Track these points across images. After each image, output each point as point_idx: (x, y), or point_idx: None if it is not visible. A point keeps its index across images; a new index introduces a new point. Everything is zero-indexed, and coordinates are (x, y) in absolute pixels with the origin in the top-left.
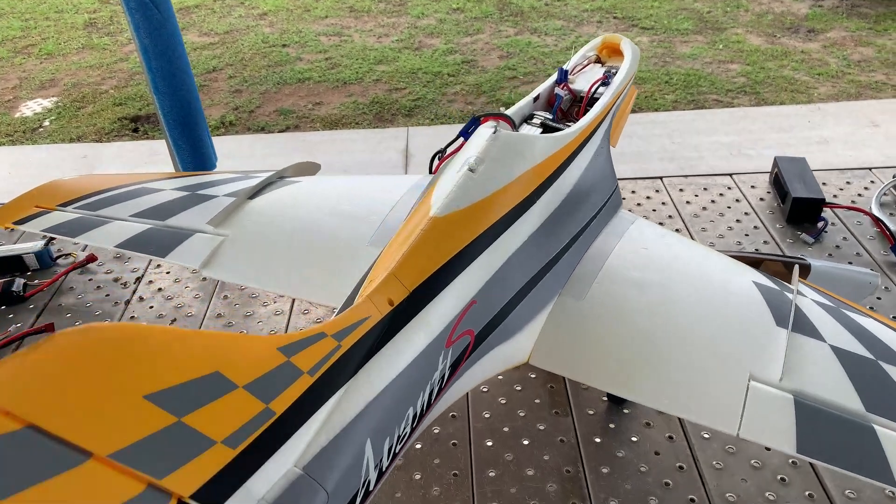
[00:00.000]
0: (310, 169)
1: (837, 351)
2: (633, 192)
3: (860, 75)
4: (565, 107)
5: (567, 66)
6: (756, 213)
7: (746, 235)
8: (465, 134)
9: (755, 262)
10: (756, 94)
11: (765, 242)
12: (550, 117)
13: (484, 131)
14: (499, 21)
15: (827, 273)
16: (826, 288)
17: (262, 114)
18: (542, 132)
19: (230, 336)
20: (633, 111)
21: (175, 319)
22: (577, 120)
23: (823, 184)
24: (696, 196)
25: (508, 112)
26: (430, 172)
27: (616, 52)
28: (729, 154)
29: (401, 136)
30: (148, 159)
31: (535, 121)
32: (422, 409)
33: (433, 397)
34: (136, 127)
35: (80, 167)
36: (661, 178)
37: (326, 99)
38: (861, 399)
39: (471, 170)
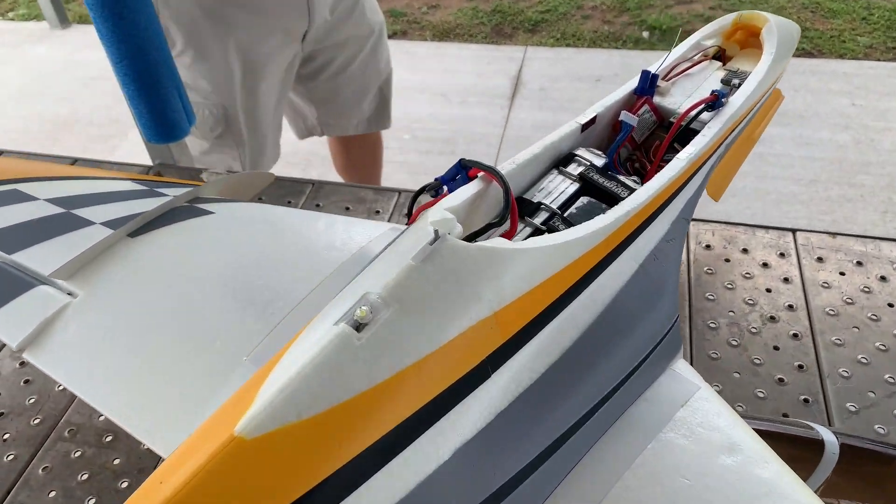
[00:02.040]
0: (254, 182)
1: None
2: (745, 250)
3: None
4: (641, 135)
5: (657, 68)
6: None
7: None
8: (447, 181)
9: None
10: None
11: None
12: (600, 164)
13: (421, 230)
14: None
15: None
16: None
17: None
18: (576, 190)
19: None
20: (810, 54)
21: None
22: (653, 165)
23: None
24: (842, 275)
25: (529, 152)
26: (408, 221)
27: (757, 42)
28: None
29: (516, 58)
30: None
31: (571, 169)
32: None
33: None
34: None
35: None
36: (793, 230)
37: (445, 2)
38: None
39: (356, 327)
